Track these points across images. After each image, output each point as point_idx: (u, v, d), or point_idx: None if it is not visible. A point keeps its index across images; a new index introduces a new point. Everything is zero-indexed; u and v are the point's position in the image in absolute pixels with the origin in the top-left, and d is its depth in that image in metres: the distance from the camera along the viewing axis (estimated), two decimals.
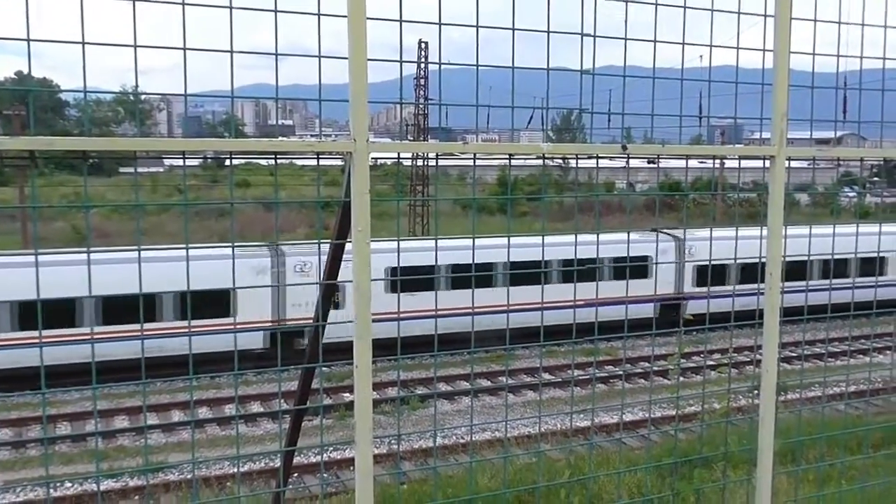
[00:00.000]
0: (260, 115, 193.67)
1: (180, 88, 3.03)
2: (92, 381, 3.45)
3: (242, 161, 65.68)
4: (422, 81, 45.51)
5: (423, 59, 42.81)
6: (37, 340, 3.26)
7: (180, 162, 3.06)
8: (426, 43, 43.12)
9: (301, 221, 48.75)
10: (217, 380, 23.57)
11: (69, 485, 16.42)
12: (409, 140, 37.83)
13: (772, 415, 4.18)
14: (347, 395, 21.92)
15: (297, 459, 15.68)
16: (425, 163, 46.22)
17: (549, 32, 3.65)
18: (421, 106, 45.40)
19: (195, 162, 55.64)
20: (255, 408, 21.89)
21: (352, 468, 16.03)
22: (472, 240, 3.84)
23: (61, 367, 18.19)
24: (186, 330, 3.92)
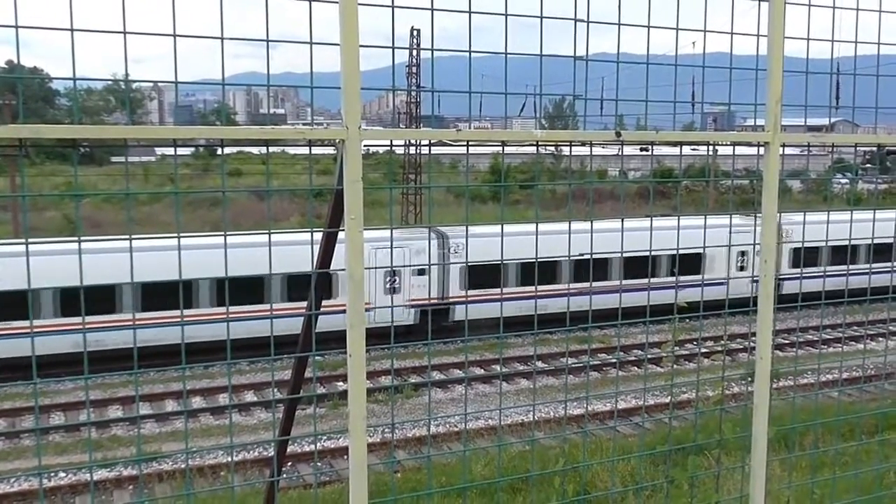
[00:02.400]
0: (252, 103, 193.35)
1: (168, 78, 3.00)
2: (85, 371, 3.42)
3: (234, 150, 65.49)
4: (413, 69, 45.31)
5: (414, 47, 42.62)
6: None
7: (172, 151, 3.03)
8: (418, 30, 42.93)
9: (294, 210, 48.67)
10: (210, 369, 23.56)
11: (63, 474, 16.41)
12: (402, 128, 37.70)
13: (766, 402, 4.18)
14: (340, 383, 21.93)
15: (290, 448, 15.70)
16: (418, 151, 46.11)
17: (542, 18, 3.62)
18: (413, 94, 45.26)
19: (187, 151, 55.40)
20: (249, 397, 21.88)
21: (345, 457, 16.07)
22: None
23: None
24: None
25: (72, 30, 2.64)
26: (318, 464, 17.12)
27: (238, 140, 3.00)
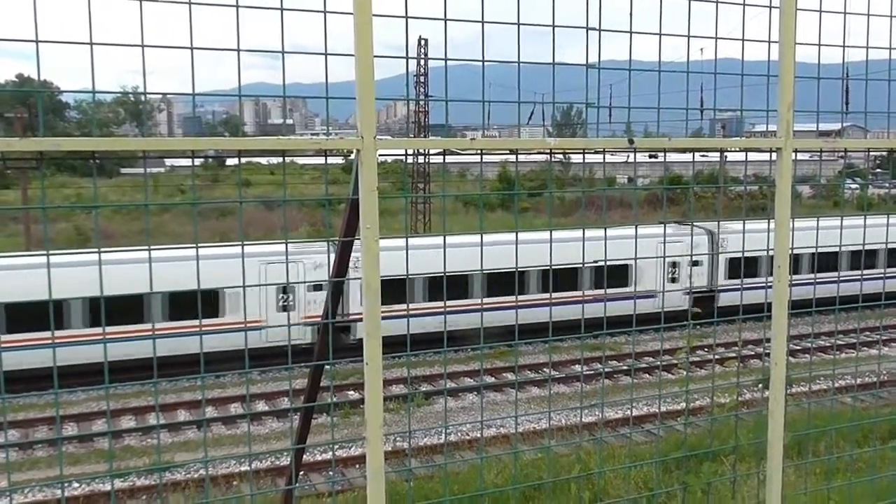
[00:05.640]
0: (260, 114, 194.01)
1: (178, 89, 3.03)
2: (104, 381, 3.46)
3: (244, 160, 65.71)
4: (422, 79, 45.43)
5: (423, 56, 42.73)
6: None
7: (181, 162, 3.06)
8: (426, 40, 43.05)
9: (303, 220, 48.83)
10: (222, 379, 23.59)
11: (76, 485, 16.45)
12: (416, 138, 37.82)
13: (781, 408, 4.18)
14: (351, 392, 21.95)
15: (303, 458, 15.67)
16: (426, 160, 46.21)
17: (553, 27, 3.64)
18: (422, 103, 45.40)
19: (197, 161, 55.53)
20: (261, 406, 21.89)
21: (357, 466, 15.92)
22: None
23: None
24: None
25: (91, 43, 2.67)
26: (332, 472, 17.11)
27: (254, 151, 3.03)
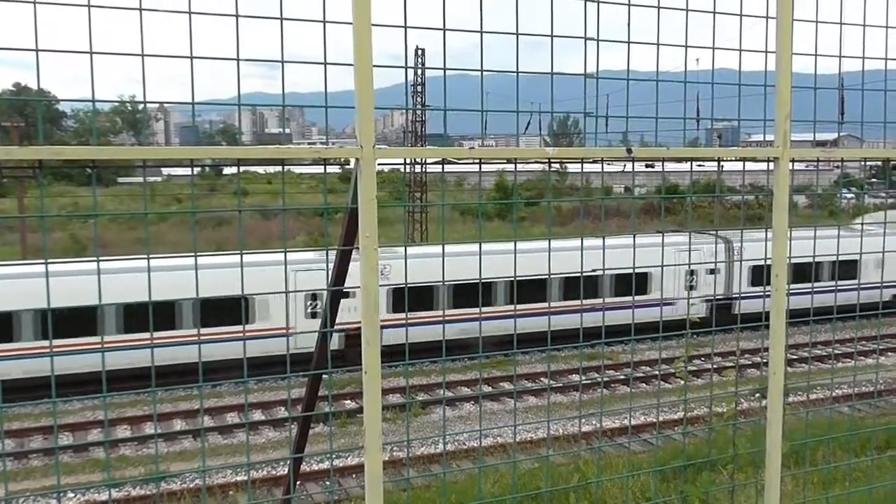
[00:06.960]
0: (257, 123, 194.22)
1: (175, 99, 3.04)
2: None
3: (241, 169, 65.69)
4: (419, 88, 45.50)
5: (420, 66, 42.80)
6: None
7: (178, 171, 3.06)
8: (423, 49, 43.13)
9: (300, 229, 48.87)
10: (218, 388, 23.54)
11: (72, 495, 16.39)
12: (414, 147, 38.00)
13: (779, 417, 4.18)
14: (348, 402, 21.91)
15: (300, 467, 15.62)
16: (423, 169, 46.25)
17: (552, 37, 3.65)
18: (419, 112, 45.45)
19: (195, 171, 55.58)
20: (257, 416, 21.85)
21: (354, 475, 15.86)
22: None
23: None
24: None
25: (91, 52, 2.68)
26: (327, 482, 17.07)
27: (253, 160, 3.03)
